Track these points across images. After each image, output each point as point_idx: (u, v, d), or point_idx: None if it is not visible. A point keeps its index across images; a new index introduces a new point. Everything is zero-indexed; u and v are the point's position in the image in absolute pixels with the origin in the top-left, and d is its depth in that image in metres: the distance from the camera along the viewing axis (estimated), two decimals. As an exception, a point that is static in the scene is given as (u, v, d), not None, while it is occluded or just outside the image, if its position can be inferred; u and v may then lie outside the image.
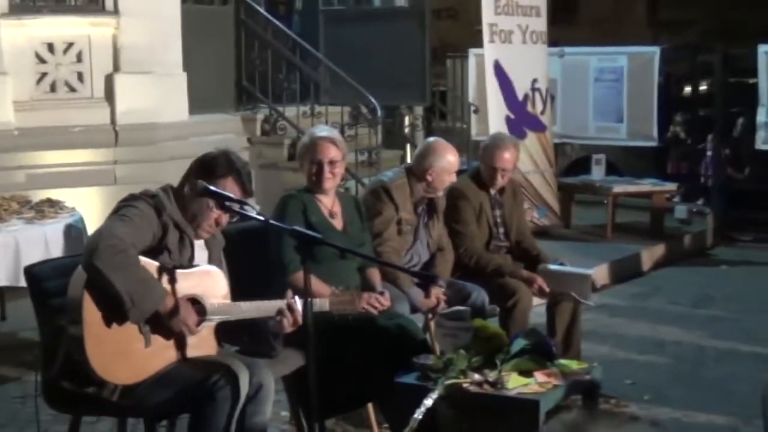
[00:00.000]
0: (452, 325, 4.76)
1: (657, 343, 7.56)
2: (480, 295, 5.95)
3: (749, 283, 9.65)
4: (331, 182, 5.19)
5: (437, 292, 5.72)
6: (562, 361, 4.75)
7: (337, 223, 5.26)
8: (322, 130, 5.34)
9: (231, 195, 4.13)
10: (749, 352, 7.32)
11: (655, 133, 12.04)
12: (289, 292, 4.30)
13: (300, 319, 4.22)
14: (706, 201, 12.38)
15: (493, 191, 6.44)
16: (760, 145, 11.69)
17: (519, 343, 4.64)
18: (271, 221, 4.25)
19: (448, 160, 5.92)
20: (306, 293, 3.91)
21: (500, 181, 6.37)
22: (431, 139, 6.33)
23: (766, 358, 7.17)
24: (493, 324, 5.19)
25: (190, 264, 4.27)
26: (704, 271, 10.31)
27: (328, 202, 5.26)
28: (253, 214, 4.14)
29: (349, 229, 5.29)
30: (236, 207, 4.10)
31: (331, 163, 5.15)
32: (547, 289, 6.19)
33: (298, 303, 4.24)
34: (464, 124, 12.65)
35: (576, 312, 6.44)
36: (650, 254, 10.36)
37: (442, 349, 4.69)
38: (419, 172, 5.91)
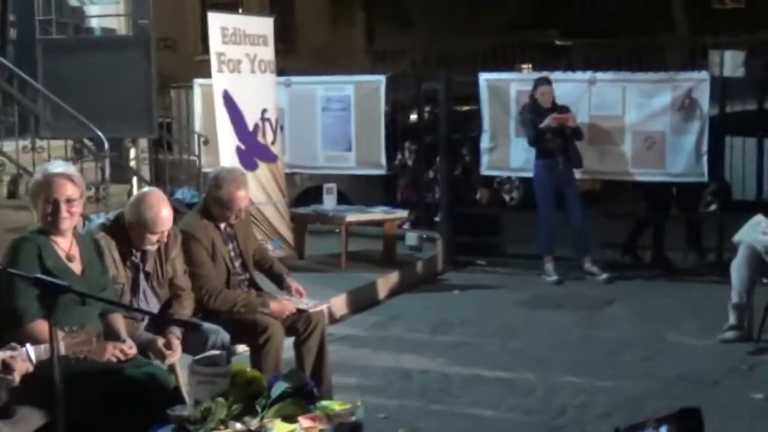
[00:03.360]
0: (207, 371, 4.48)
1: (403, 373, 7.51)
2: (219, 336, 5.61)
3: (482, 307, 9.79)
4: (68, 222, 4.78)
5: (171, 338, 5.30)
6: (324, 403, 4.57)
7: (76, 267, 4.84)
8: (58, 166, 4.90)
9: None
10: (492, 377, 7.40)
11: (383, 160, 12.08)
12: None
13: (29, 367, 3.85)
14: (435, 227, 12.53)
15: (223, 226, 6.20)
16: (484, 170, 11.99)
17: (279, 387, 4.42)
18: (10, 270, 3.85)
19: (151, 217, 5.36)
20: (51, 348, 3.54)
21: (238, 218, 6.15)
22: (145, 189, 5.88)
23: (509, 383, 7.27)
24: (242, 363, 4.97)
25: None
26: (438, 296, 10.39)
27: (65, 245, 4.84)
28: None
29: (89, 273, 4.88)
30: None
31: (68, 201, 4.74)
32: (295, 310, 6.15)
33: (28, 349, 3.87)
34: (192, 155, 12.33)
35: (323, 346, 6.33)
36: (385, 282, 10.38)
37: (198, 397, 4.39)
38: (130, 222, 5.42)
